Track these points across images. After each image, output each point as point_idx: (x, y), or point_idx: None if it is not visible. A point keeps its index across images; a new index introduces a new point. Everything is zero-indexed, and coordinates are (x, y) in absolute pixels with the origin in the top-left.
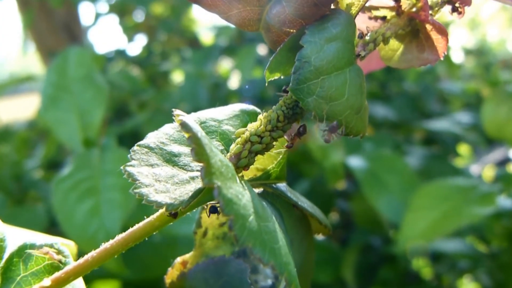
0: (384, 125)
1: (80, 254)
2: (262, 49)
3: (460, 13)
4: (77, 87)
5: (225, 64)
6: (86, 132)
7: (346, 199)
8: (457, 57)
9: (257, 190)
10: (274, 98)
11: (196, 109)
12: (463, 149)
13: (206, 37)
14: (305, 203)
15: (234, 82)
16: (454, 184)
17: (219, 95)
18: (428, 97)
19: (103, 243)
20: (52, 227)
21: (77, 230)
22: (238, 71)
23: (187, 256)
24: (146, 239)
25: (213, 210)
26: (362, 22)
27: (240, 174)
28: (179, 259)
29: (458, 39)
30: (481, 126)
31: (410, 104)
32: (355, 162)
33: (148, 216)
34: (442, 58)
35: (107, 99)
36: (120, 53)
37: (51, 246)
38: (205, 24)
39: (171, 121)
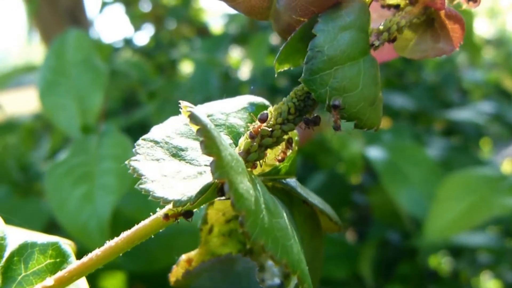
0: (402, 115)
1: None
2: (275, 38)
3: (475, 1)
4: (75, 71)
5: (235, 54)
6: (85, 118)
7: (363, 193)
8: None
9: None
10: (286, 88)
11: (207, 99)
12: (484, 141)
13: (216, 26)
14: (315, 199)
15: (245, 72)
16: (482, 175)
17: (230, 85)
18: (448, 86)
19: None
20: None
21: (70, 217)
22: (250, 60)
23: (192, 253)
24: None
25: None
26: (374, 10)
27: (250, 169)
28: (184, 257)
29: (477, 28)
30: (504, 116)
31: (429, 93)
32: (374, 152)
33: (149, 208)
34: (457, 49)
35: (106, 83)
36: (128, 42)
37: (53, 244)
38: (214, 13)
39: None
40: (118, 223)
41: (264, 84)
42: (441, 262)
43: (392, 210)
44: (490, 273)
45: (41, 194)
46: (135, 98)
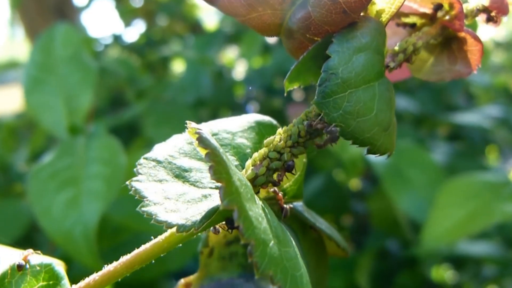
0: (405, 119)
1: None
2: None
3: (495, 22)
4: (63, 68)
5: (230, 53)
6: (73, 118)
7: (362, 200)
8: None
9: None
10: (282, 90)
11: (198, 99)
12: (491, 146)
13: (210, 23)
14: (322, 224)
15: (239, 72)
16: (484, 180)
17: (223, 85)
18: (454, 89)
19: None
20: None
21: (53, 223)
22: (243, 59)
23: (191, 277)
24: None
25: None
26: (388, 27)
27: (257, 193)
28: (182, 281)
29: (487, 31)
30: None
31: (434, 96)
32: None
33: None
34: (475, 72)
35: (96, 82)
36: (117, 38)
37: (46, 266)
38: (208, 9)
39: (171, 112)
40: (105, 230)
41: (260, 84)
42: (444, 274)
43: (391, 217)
44: (495, 287)
45: (22, 196)
46: (123, 97)
